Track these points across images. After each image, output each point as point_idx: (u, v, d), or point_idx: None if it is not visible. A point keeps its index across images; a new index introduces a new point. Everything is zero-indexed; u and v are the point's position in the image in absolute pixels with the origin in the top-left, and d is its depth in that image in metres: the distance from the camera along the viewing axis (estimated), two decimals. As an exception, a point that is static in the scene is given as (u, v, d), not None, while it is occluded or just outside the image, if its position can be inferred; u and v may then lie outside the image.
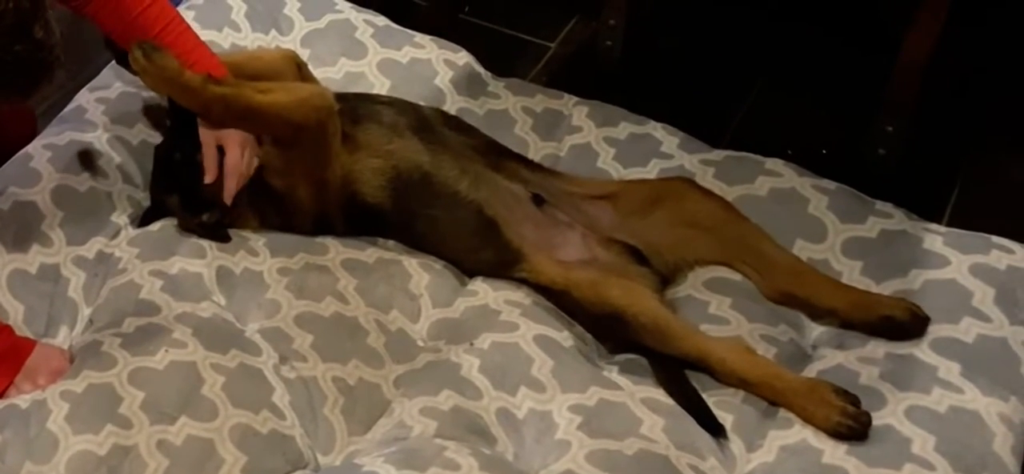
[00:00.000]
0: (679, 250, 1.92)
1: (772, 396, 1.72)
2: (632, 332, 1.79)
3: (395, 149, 1.93)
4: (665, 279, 1.91)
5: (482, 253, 1.92)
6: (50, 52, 1.64)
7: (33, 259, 1.91)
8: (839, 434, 1.65)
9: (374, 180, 1.92)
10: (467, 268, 1.96)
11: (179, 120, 1.97)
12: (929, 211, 2.11)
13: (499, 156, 2.01)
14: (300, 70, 2.10)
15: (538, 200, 1.94)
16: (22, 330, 1.85)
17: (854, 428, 1.65)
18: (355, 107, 1.99)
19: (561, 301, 1.86)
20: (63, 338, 1.87)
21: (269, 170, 1.92)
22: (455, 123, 2.08)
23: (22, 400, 1.72)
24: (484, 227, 1.91)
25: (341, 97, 2.03)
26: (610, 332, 1.83)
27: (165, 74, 1.82)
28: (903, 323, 1.78)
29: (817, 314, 1.87)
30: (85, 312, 1.89)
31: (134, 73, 2.06)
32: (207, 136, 1.89)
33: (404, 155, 1.93)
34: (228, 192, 1.89)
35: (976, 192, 2.38)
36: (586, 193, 1.98)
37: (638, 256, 1.89)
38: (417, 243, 1.96)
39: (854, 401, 1.67)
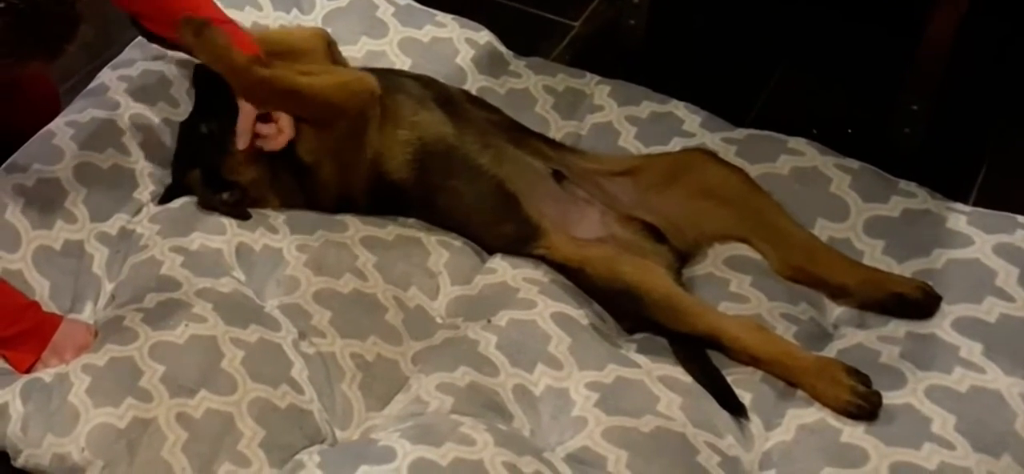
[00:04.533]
0: (697, 223, 1.91)
1: (784, 374, 1.72)
2: (645, 309, 1.79)
3: (421, 120, 1.94)
4: (684, 256, 1.90)
5: (502, 227, 1.92)
6: (72, 6, 1.66)
7: (57, 235, 1.93)
8: (849, 413, 1.65)
9: (400, 154, 1.93)
10: (487, 244, 1.96)
11: (203, 94, 1.99)
12: (956, 190, 2.09)
13: (521, 133, 2.02)
14: (330, 49, 2.11)
15: (558, 177, 1.94)
16: (49, 306, 1.88)
17: (864, 408, 1.64)
18: (382, 78, 2.00)
19: (577, 278, 1.86)
20: (89, 314, 1.89)
21: (300, 144, 1.93)
22: (477, 101, 2.09)
23: (46, 374, 1.75)
24: (505, 201, 1.91)
25: (368, 71, 2.04)
26: (626, 310, 1.83)
27: (215, 51, 1.84)
28: (915, 301, 1.77)
29: (830, 291, 1.86)
30: (108, 288, 1.91)
31: (166, 47, 2.07)
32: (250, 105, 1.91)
33: (429, 126, 1.94)
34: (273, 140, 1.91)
35: (1004, 171, 2.34)
36: (606, 170, 1.98)
37: (656, 234, 1.88)
38: (439, 218, 1.97)
39: (865, 381, 1.66)
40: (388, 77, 2.02)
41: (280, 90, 1.87)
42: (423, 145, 1.93)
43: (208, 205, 1.95)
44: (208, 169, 1.96)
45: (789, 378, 1.72)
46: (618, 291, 1.81)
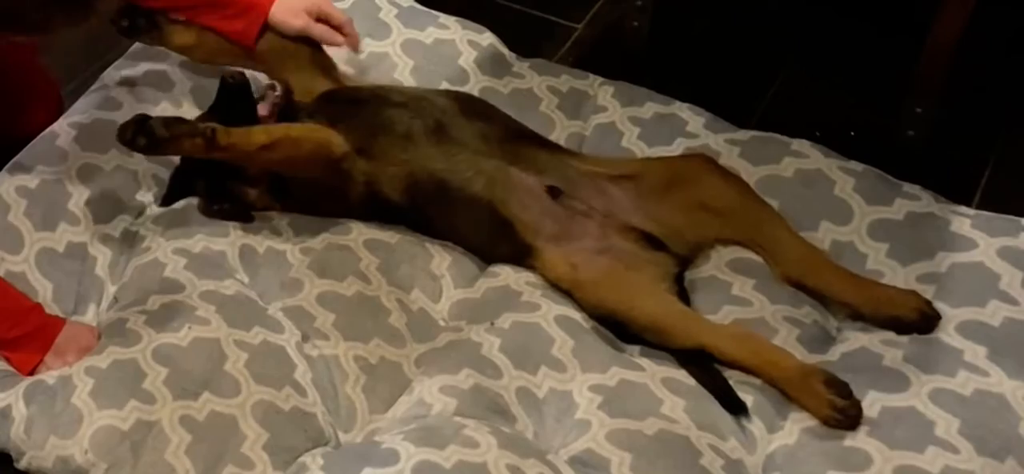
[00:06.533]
0: (697, 231, 1.91)
1: (771, 383, 1.72)
2: (635, 331, 1.80)
3: (409, 158, 1.93)
4: (686, 260, 1.90)
5: (498, 248, 1.93)
6: None
7: (61, 237, 1.93)
8: (829, 424, 1.65)
9: (392, 183, 1.93)
10: (486, 259, 1.96)
11: (224, 106, 1.97)
12: (960, 193, 2.08)
13: (517, 143, 1.98)
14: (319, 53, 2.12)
15: (555, 192, 1.92)
16: (51, 308, 1.88)
17: (842, 421, 1.64)
18: (370, 118, 1.96)
19: (569, 298, 1.85)
20: (91, 316, 1.89)
21: (292, 184, 1.94)
22: (472, 109, 2.03)
23: (49, 376, 1.75)
24: (499, 226, 1.90)
25: (356, 101, 2.01)
26: (616, 332, 1.83)
27: (176, 148, 1.81)
28: (911, 323, 1.77)
29: (829, 304, 1.85)
30: (111, 290, 1.91)
31: (147, 43, 2.11)
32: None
33: (419, 164, 1.92)
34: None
35: (1008, 174, 2.34)
36: (606, 173, 1.97)
37: (655, 243, 1.87)
38: (436, 236, 1.97)
39: (844, 391, 1.66)
40: (376, 113, 1.97)
41: (243, 161, 1.86)
42: (414, 181, 1.92)
43: (209, 213, 1.95)
44: (212, 182, 1.95)
45: (776, 387, 1.72)
46: (605, 317, 1.82)
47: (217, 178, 1.94)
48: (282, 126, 1.91)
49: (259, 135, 1.84)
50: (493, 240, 1.93)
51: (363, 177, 1.93)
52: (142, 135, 1.75)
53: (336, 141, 1.89)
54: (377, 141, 1.94)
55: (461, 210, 1.92)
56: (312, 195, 1.96)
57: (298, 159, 1.88)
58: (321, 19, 2.06)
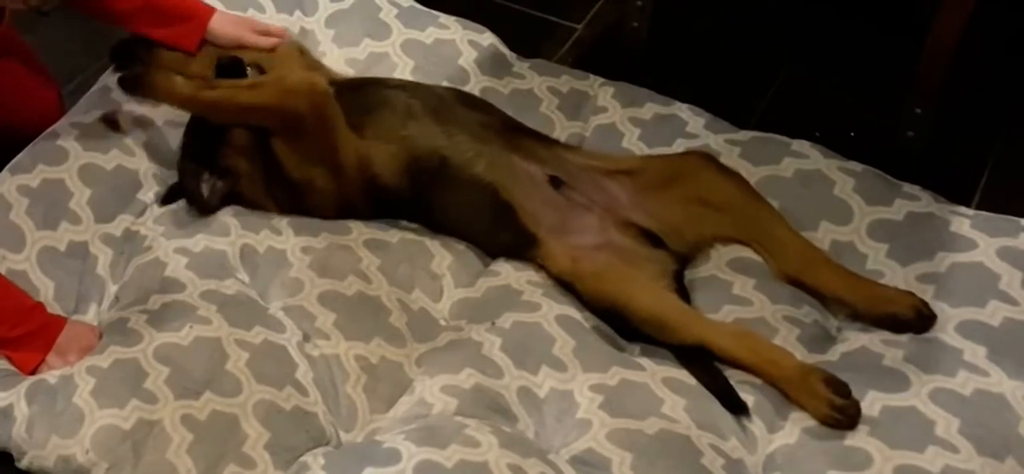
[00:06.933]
0: (696, 227, 1.91)
1: (770, 382, 1.73)
2: (635, 324, 1.80)
3: (410, 134, 1.93)
4: (685, 259, 1.90)
5: (500, 236, 1.93)
6: None
7: (62, 236, 1.94)
8: (827, 424, 1.66)
9: (391, 164, 1.93)
10: (487, 249, 1.96)
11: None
12: (959, 194, 2.09)
13: (516, 134, 1.99)
14: (303, 55, 2.15)
15: (556, 182, 1.93)
16: (53, 307, 1.88)
17: (841, 420, 1.65)
18: (367, 97, 1.98)
19: (570, 291, 1.86)
20: (93, 315, 1.90)
21: (286, 165, 1.93)
22: (471, 101, 2.06)
23: (51, 376, 1.75)
24: (501, 211, 1.91)
25: (353, 86, 2.03)
26: (617, 326, 1.83)
27: (160, 94, 1.96)
28: (907, 321, 1.78)
29: (827, 302, 1.86)
30: (112, 289, 1.91)
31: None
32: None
33: (419, 140, 1.93)
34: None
35: (1007, 175, 2.34)
36: (605, 168, 1.97)
37: (654, 240, 1.88)
38: (437, 226, 1.97)
39: (842, 390, 1.66)
40: (373, 92, 2.00)
41: (230, 109, 1.92)
42: (415, 158, 1.92)
43: (191, 181, 1.94)
44: (205, 151, 1.95)
45: (777, 387, 1.72)
46: (606, 309, 1.82)
47: (210, 149, 1.95)
48: (267, 75, 2.01)
49: (246, 82, 1.96)
50: (495, 227, 1.92)
51: (357, 159, 1.93)
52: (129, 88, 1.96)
53: (319, 81, 1.94)
54: (374, 117, 1.94)
55: (462, 193, 1.92)
56: (305, 178, 1.94)
57: (283, 95, 1.90)
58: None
